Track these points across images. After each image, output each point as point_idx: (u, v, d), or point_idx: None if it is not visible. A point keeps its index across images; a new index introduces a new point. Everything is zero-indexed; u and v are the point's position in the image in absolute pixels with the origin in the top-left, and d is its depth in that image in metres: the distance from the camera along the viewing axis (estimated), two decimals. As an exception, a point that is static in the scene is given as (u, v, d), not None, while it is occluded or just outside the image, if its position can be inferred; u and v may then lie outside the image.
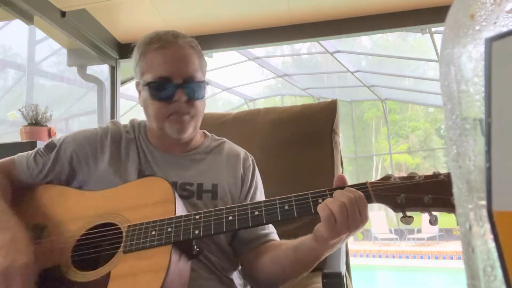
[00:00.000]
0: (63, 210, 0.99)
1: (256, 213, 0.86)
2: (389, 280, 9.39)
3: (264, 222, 0.86)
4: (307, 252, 0.88)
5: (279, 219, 0.85)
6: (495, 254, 0.25)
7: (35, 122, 1.96)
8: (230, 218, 0.87)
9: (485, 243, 0.26)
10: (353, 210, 0.79)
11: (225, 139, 1.20)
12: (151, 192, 0.95)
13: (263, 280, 1.01)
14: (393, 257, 10.46)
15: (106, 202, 0.97)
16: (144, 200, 0.94)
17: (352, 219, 0.79)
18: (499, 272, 0.25)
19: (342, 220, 0.78)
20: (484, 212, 0.25)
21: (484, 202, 0.25)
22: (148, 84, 1.01)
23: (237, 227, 0.86)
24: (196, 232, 0.86)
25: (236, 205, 0.89)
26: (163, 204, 0.91)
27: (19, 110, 2.00)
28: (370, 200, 0.82)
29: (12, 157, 1.09)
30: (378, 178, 0.85)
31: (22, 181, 1.07)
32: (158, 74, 1.00)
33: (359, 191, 0.81)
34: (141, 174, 1.04)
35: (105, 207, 0.96)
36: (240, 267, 1.08)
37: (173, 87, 1.00)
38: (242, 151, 1.17)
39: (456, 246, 9.89)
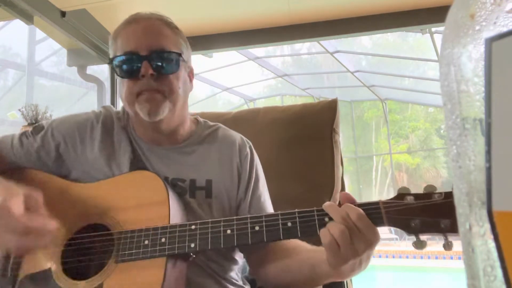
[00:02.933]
0: (50, 205, 0.92)
1: (257, 228, 0.80)
2: (389, 280, 9.38)
3: (265, 240, 0.79)
4: (325, 276, 0.83)
5: (281, 238, 0.80)
6: (495, 254, 0.25)
7: (35, 122, 1.96)
8: (228, 232, 0.81)
9: (485, 243, 0.26)
10: (355, 232, 0.71)
11: (219, 125, 1.11)
12: (143, 191, 0.89)
13: (272, 284, 0.97)
14: (393, 257, 10.45)
15: (96, 198, 0.92)
16: (136, 199, 0.89)
17: (358, 243, 0.71)
18: (499, 272, 0.25)
19: (346, 246, 0.71)
20: (484, 212, 0.25)
21: (484, 202, 0.25)
22: (113, 61, 0.93)
23: (235, 244, 0.81)
24: (192, 245, 0.81)
25: (234, 217, 0.83)
26: (157, 206, 0.86)
27: (19, 110, 2.00)
28: (381, 223, 0.73)
29: None
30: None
31: (5, 163, 1.00)
32: (123, 49, 0.93)
33: (356, 209, 0.73)
34: (133, 165, 0.98)
35: (95, 204, 0.91)
36: (239, 265, 1.05)
37: (138, 59, 0.90)
38: (238, 138, 1.08)
39: (456, 246, 9.88)
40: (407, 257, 10.24)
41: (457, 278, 7.09)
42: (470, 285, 0.27)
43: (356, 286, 1.46)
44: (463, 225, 0.28)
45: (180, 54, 0.95)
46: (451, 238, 0.71)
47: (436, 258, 9.80)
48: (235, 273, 1.03)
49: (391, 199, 0.75)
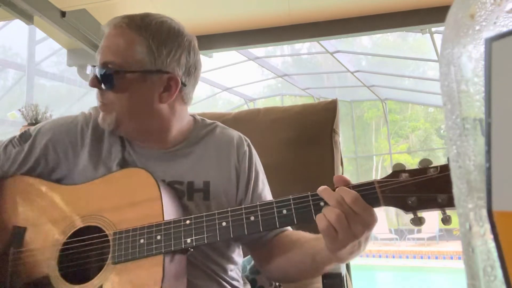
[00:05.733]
0: (43, 209, 0.92)
1: (252, 218, 0.79)
2: (389, 280, 9.38)
3: (261, 229, 0.79)
4: (326, 263, 0.83)
5: (278, 226, 0.79)
6: (495, 254, 0.25)
7: (35, 122, 1.96)
8: (224, 224, 0.80)
9: (485, 243, 0.26)
10: (352, 215, 0.70)
11: (217, 123, 1.09)
12: (134, 188, 0.88)
13: (279, 278, 0.98)
14: (393, 257, 10.44)
15: (87, 199, 0.90)
16: (128, 198, 0.87)
17: (355, 226, 0.70)
18: (499, 272, 0.25)
19: (343, 230, 0.70)
20: (484, 212, 0.25)
21: (484, 202, 0.25)
22: None
23: (232, 236, 0.79)
24: (188, 241, 0.80)
25: (229, 209, 0.81)
26: (149, 203, 0.85)
27: (19, 110, 2.01)
28: (377, 204, 0.72)
29: None
30: (379, 178, 0.76)
31: None
32: None
33: (351, 191, 0.72)
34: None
35: (87, 205, 0.89)
36: (239, 264, 1.05)
37: (93, 71, 0.93)
38: (235, 136, 1.05)
39: (456, 246, 9.88)
40: (407, 257, 10.23)
41: (457, 278, 7.09)
42: (470, 285, 0.27)
43: (356, 286, 1.46)
44: (463, 225, 0.28)
45: (119, 70, 0.90)
46: (449, 212, 0.69)
47: (436, 258, 9.80)
48: (235, 273, 1.03)
49: (386, 177, 0.73)
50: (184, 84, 0.97)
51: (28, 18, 1.67)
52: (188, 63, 0.97)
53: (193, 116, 1.09)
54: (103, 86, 0.91)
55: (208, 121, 1.10)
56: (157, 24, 0.94)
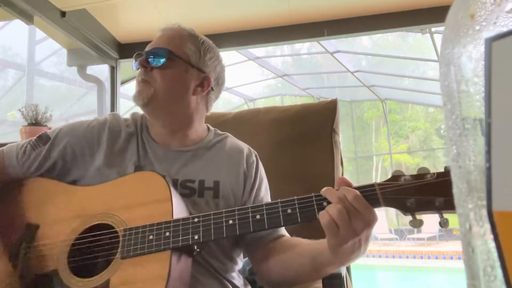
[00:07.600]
0: (56, 208, 0.96)
1: (258, 217, 0.82)
2: (389, 280, 9.38)
3: (266, 227, 0.82)
4: (326, 264, 0.85)
5: (282, 224, 0.82)
6: (495, 254, 0.25)
7: (35, 122, 1.96)
8: (230, 222, 0.83)
9: (485, 243, 0.26)
10: (353, 212, 0.73)
11: (228, 134, 1.17)
12: (145, 189, 0.92)
13: (276, 281, 0.99)
14: (393, 257, 10.46)
15: (99, 199, 0.94)
16: (139, 198, 0.91)
17: (356, 222, 0.73)
18: (499, 272, 0.25)
19: (344, 225, 0.73)
20: (484, 212, 0.25)
21: (484, 202, 0.25)
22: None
23: (238, 232, 0.83)
24: (196, 237, 0.83)
25: (236, 208, 0.85)
26: (160, 203, 0.88)
27: (19, 110, 2.00)
28: (377, 204, 0.75)
29: (0, 148, 1.05)
30: (379, 178, 0.78)
31: (11, 173, 1.03)
32: None
33: (353, 190, 0.75)
34: (138, 170, 1.00)
35: (98, 205, 0.93)
36: (240, 267, 1.06)
37: (141, 54, 1.04)
38: (245, 147, 1.14)
39: (456, 246, 9.89)
40: (407, 257, 10.24)
41: (457, 278, 7.09)
42: (470, 285, 0.27)
43: (356, 286, 1.46)
44: (463, 225, 0.28)
45: (172, 53, 1.02)
46: (446, 215, 0.72)
47: (436, 258, 9.81)
48: (236, 273, 1.05)
49: (386, 180, 0.77)
50: (212, 89, 1.10)
51: (28, 18, 1.67)
52: (220, 73, 1.13)
53: (207, 125, 1.18)
54: (152, 63, 1.02)
55: (220, 132, 1.18)
56: (203, 37, 1.12)
